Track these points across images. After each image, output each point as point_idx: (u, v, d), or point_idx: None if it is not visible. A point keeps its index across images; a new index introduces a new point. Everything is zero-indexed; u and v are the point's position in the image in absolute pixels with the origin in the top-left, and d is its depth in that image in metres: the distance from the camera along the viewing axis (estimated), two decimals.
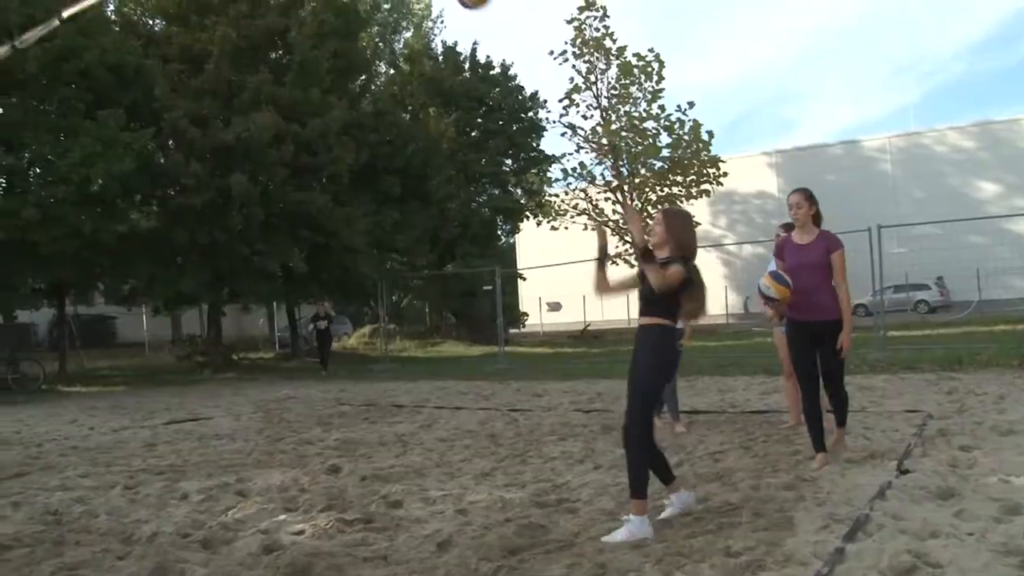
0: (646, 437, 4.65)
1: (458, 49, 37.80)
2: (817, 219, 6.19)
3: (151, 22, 24.89)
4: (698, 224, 18.24)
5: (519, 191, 38.56)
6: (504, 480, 6.29)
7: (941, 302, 36.63)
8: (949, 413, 8.19)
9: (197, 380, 21.78)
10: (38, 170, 20.26)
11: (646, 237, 4.71)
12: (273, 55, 25.09)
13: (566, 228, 23.94)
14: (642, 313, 4.82)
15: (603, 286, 5.08)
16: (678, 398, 8.82)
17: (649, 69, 20.72)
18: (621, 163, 20.73)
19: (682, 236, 4.83)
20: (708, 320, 8.48)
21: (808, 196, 6.15)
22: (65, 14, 2.27)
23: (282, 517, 5.34)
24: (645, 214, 20.80)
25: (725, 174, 21.67)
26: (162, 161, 21.91)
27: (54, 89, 18.92)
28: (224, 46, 21.93)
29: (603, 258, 5.01)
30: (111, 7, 25.33)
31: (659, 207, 22.33)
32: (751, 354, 16.86)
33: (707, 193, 21.65)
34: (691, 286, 4.74)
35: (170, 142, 22.34)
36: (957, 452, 6.07)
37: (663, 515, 4.85)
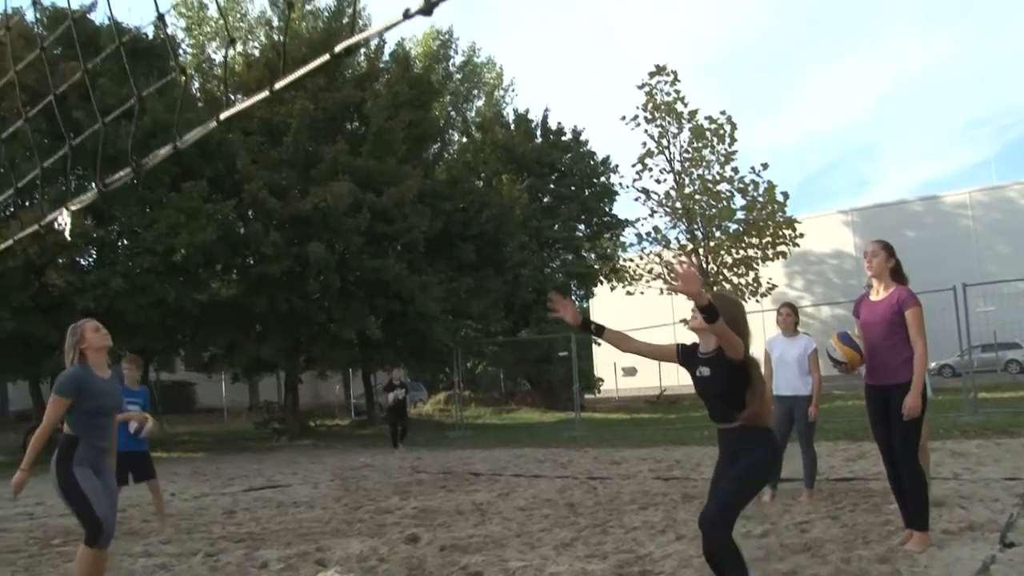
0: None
1: (529, 116, 38.26)
2: (897, 274, 5.75)
3: (233, 97, 25.75)
4: (774, 286, 17.76)
5: (593, 256, 38.53)
6: (585, 551, 6.15)
7: None
8: None
9: (274, 447, 21.98)
10: (125, 241, 20.94)
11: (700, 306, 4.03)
12: (349, 126, 25.70)
13: (641, 293, 23.83)
14: (724, 419, 4.29)
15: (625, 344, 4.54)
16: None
17: (721, 132, 20.68)
18: (696, 226, 20.60)
19: (736, 319, 4.23)
20: None
21: (885, 246, 5.77)
22: (223, 116, 2.33)
23: None
24: (715, 278, 20.56)
25: (801, 235, 21.37)
26: (242, 230, 22.46)
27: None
28: (302, 119, 22.53)
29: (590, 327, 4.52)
30: (196, 84, 26.31)
31: (734, 270, 22.10)
32: (832, 418, 16.38)
33: (783, 255, 21.35)
34: (753, 380, 4.21)
35: (250, 212, 22.92)
36: None
37: None
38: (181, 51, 21.89)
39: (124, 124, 16.37)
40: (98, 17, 21.27)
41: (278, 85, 2.23)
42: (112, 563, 6.41)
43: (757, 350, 6.34)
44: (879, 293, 5.75)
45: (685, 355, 4.46)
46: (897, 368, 5.47)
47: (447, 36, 43.47)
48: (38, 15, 19.75)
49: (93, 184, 2.66)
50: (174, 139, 2.45)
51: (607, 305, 42.85)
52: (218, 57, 29.46)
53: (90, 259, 20.98)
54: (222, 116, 2.42)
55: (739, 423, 4.20)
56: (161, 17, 2.45)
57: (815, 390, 8.07)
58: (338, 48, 2.04)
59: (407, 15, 1.88)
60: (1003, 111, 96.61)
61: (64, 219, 2.93)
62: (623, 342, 4.52)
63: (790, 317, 8.28)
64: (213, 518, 9.05)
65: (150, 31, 20.75)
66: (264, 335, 23.19)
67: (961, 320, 16.19)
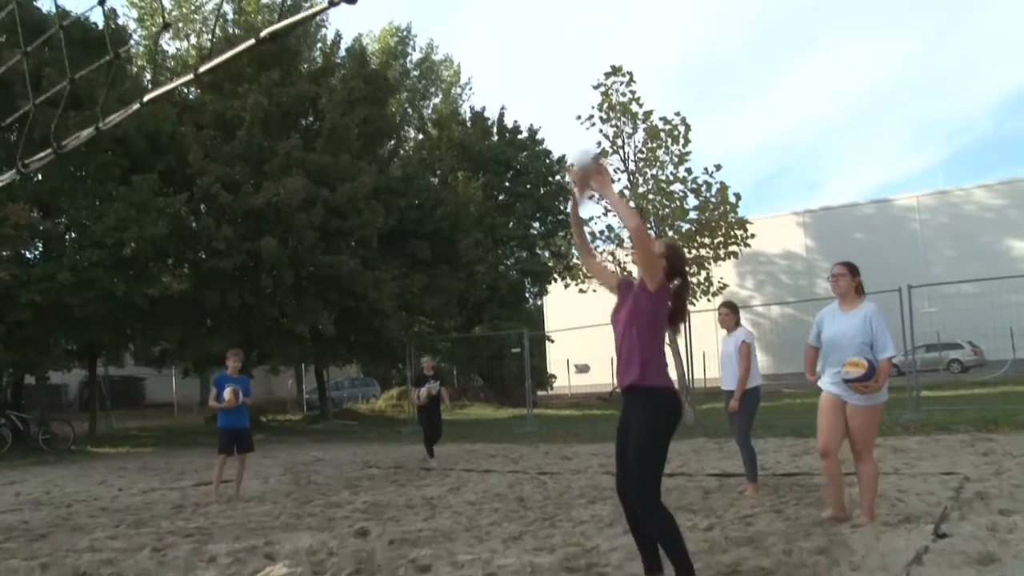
0: None
1: (486, 114, 38.35)
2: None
3: (186, 90, 25.49)
4: (725, 286, 17.94)
5: (547, 254, 38.70)
6: (533, 544, 6.22)
7: (974, 361, 36.09)
8: (986, 475, 8.02)
9: None
10: (73, 234, 20.61)
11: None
12: (304, 121, 25.54)
13: (594, 291, 23.99)
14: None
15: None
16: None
17: (675, 132, 20.80)
18: (649, 225, 20.74)
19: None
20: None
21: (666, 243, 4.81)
22: (146, 98, 2.34)
23: None
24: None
25: (752, 235, 21.62)
26: (194, 225, 22.22)
27: (92, 156, 19.30)
28: (256, 113, 22.35)
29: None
30: (148, 77, 25.97)
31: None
32: (780, 415, 16.67)
33: (735, 255, 21.60)
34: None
35: (202, 206, 22.69)
36: (996, 516, 5.92)
37: None
38: (132, 42, 21.64)
39: (73, 116, 16.16)
40: (45, 5, 20.97)
41: (203, 68, 2.23)
42: (57, 558, 6.36)
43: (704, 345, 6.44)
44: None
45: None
46: (628, 366, 4.42)
47: (405, 33, 43.39)
48: None
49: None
50: (101, 121, 2.44)
51: (560, 302, 43.05)
52: (171, 49, 29.15)
53: (36, 252, 20.60)
54: (146, 98, 2.42)
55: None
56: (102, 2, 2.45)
57: (739, 384, 8.06)
58: (264, 33, 2.04)
59: (332, 3, 1.90)
60: (953, 118, 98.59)
61: None
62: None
63: (728, 317, 8.33)
64: (161, 513, 8.99)
65: (99, 21, 20.45)
66: (215, 330, 22.96)
67: (906, 320, 16.54)
